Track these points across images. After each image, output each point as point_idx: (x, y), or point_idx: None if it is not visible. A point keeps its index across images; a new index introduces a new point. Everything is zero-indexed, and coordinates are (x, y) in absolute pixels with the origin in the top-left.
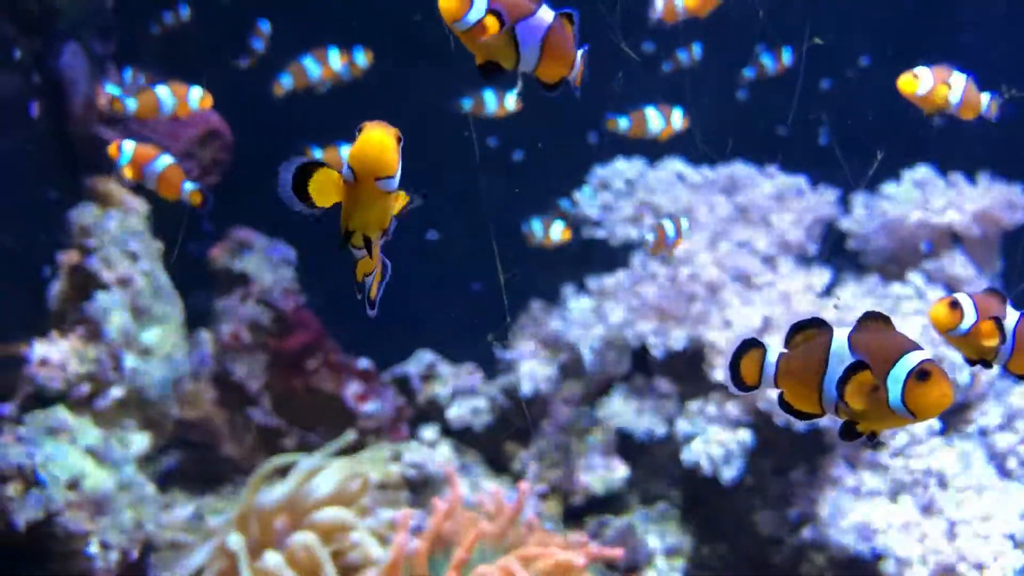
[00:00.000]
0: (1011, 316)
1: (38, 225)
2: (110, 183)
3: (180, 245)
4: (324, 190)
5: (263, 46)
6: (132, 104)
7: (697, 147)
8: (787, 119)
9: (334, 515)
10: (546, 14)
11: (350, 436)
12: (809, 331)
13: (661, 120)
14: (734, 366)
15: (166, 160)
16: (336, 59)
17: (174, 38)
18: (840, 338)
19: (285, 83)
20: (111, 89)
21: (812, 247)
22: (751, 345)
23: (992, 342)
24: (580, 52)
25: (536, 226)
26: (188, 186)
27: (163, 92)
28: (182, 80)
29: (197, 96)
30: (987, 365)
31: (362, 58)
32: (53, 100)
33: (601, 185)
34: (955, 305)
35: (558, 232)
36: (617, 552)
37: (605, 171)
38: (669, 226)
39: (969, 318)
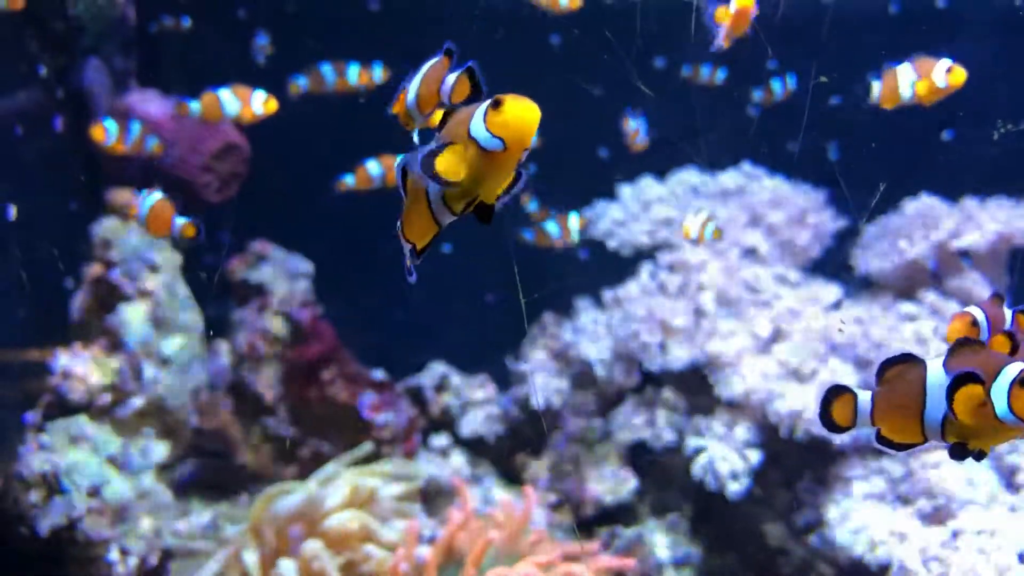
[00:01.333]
0: (1008, 318)
1: (61, 237)
2: (130, 196)
3: (199, 257)
4: (454, 165)
5: (266, 47)
6: (196, 105)
7: (711, 162)
8: (796, 138)
9: (345, 523)
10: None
11: (367, 447)
12: (899, 366)
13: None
14: (824, 413)
15: (155, 196)
16: (355, 73)
17: (192, 53)
18: (935, 367)
19: (301, 84)
20: (108, 124)
21: (819, 256)
22: (839, 391)
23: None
24: (455, 74)
25: (552, 226)
26: (179, 221)
27: (226, 95)
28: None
29: (261, 100)
30: None
31: (379, 73)
32: (76, 114)
33: (613, 199)
34: (974, 323)
35: (575, 224)
36: (630, 562)
37: (620, 189)
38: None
39: (984, 333)
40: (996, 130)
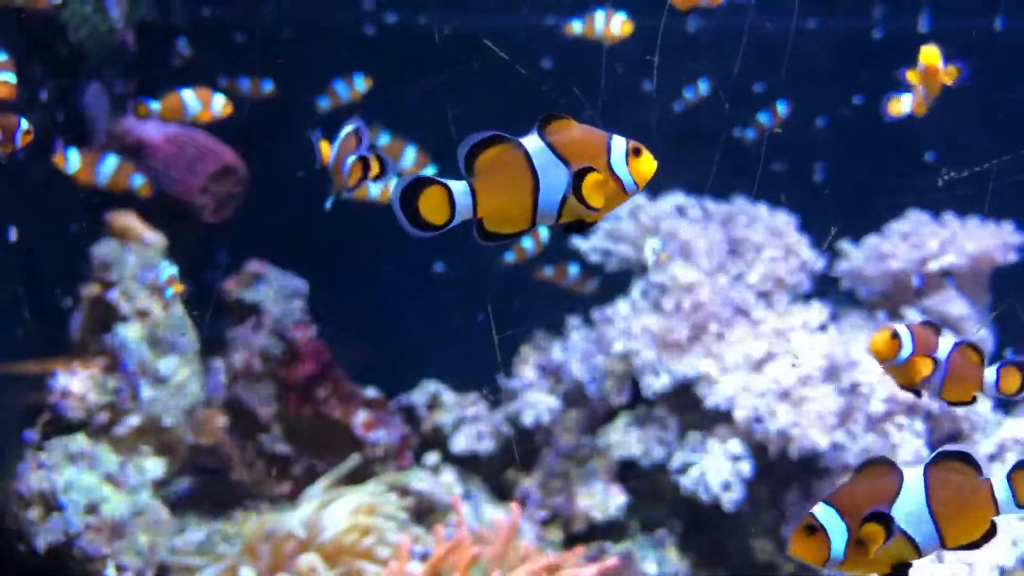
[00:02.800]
0: (945, 346)
1: (61, 258)
2: (129, 218)
3: (196, 277)
4: (598, 193)
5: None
6: (156, 105)
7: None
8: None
9: (341, 537)
10: None
11: (354, 459)
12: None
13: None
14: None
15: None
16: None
17: (191, 76)
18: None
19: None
20: (70, 153)
21: (806, 282)
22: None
23: (922, 375)
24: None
25: (526, 242)
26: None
27: (188, 96)
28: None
29: (220, 104)
30: (917, 394)
31: (361, 83)
32: (76, 137)
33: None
34: (895, 336)
35: (544, 233)
36: (612, 562)
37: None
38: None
39: (906, 349)
40: (941, 177)
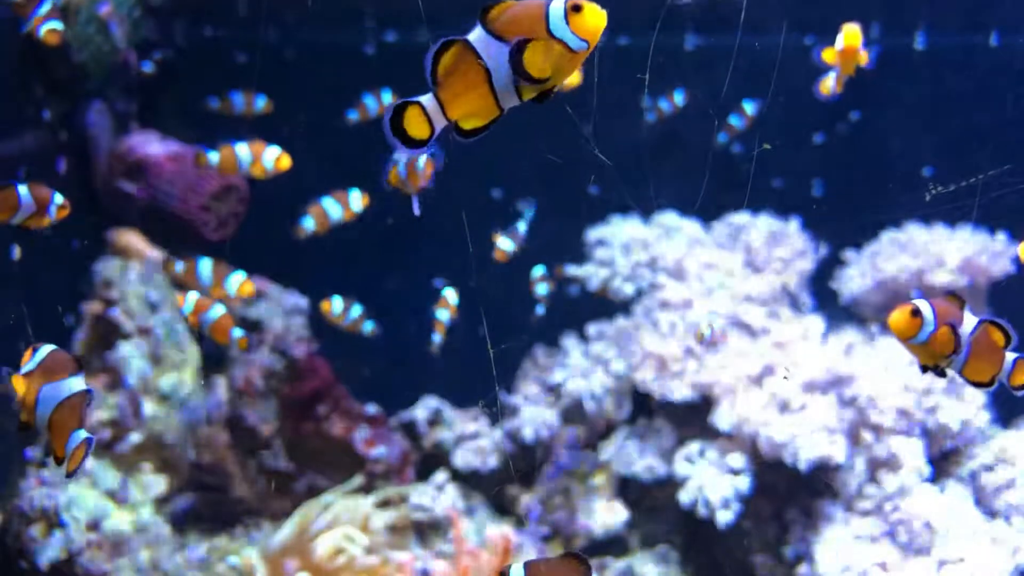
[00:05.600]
0: (969, 322)
1: (64, 275)
2: (131, 236)
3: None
4: (542, 63)
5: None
6: (215, 158)
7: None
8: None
9: (336, 555)
10: None
11: (357, 480)
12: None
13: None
14: None
15: (219, 310)
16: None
17: (190, 96)
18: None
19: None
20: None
21: (804, 297)
22: None
23: (948, 349)
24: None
25: (537, 271)
26: (237, 332)
27: (242, 150)
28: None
29: (273, 155)
30: (941, 373)
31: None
32: (79, 156)
33: (598, 241)
34: (916, 313)
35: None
36: None
37: (602, 228)
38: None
39: (928, 326)
40: (928, 191)
